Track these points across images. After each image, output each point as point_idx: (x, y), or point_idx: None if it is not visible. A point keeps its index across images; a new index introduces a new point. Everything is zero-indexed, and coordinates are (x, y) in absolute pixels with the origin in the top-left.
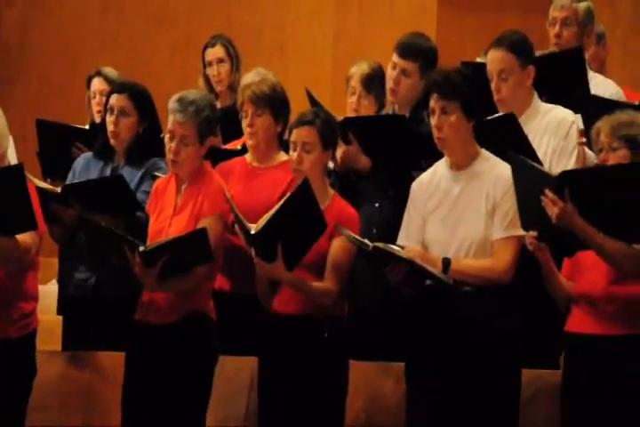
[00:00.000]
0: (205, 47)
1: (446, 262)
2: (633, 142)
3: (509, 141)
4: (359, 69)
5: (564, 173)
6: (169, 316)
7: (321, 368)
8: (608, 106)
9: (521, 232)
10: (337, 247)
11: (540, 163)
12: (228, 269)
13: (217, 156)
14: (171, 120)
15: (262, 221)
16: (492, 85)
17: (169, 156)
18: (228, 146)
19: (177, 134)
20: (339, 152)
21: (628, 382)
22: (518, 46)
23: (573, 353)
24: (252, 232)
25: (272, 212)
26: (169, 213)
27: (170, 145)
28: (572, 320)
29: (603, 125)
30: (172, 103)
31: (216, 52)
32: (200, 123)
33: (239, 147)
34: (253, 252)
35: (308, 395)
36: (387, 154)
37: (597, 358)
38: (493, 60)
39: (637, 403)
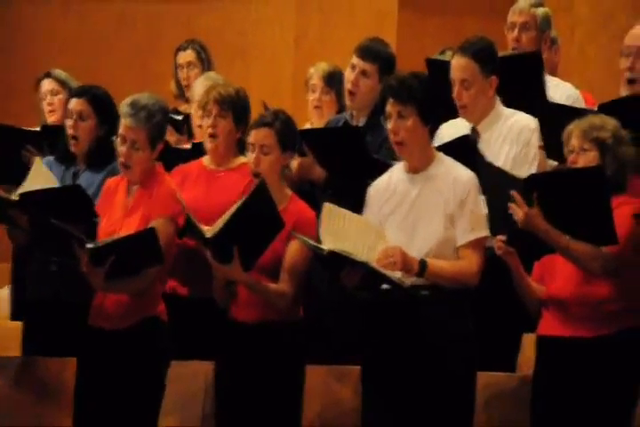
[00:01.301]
0: (178, 50)
1: (423, 265)
2: (603, 145)
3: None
4: (319, 68)
5: (531, 177)
6: (120, 321)
7: (277, 373)
8: (565, 111)
9: (484, 233)
10: (293, 250)
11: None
12: (184, 272)
13: (168, 155)
14: (122, 124)
15: (219, 224)
16: (454, 92)
17: (120, 159)
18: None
19: (128, 139)
20: (294, 163)
21: (598, 384)
22: (483, 55)
23: (545, 356)
24: (209, 235)
25: (229, 213)
26: (119, 214)
27: (121, 149)
28: (543, 323)
29: (574, 128)
30: (124, 107)
31: (187, 55)
32: (151, 128)
33: (188, 146)
34: (209, 254)
35: (265, 399)
36: (341, 165)
37: (568, 361)
38: (457, 67)
39: (607, 404)
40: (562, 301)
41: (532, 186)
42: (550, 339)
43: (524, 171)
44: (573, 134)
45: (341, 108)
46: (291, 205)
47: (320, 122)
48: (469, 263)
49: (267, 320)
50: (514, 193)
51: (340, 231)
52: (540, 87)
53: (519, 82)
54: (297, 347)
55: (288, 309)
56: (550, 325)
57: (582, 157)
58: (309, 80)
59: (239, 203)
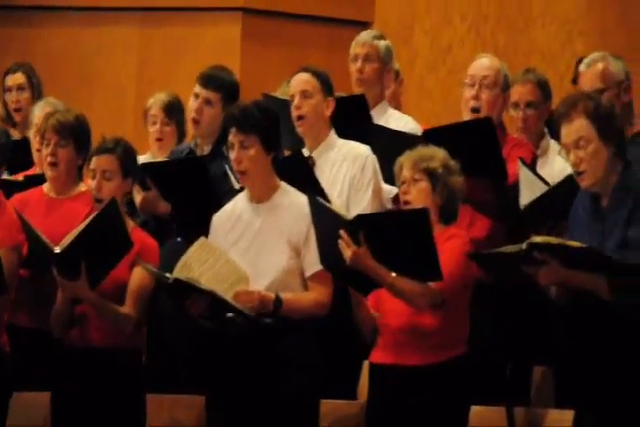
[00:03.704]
0: (6, 73)
1: (278, 303)
2: (433, 175)
3: (302, 182)
4: (158, 98)
5: (358, 217)
6: None
7: (117, 402)
8: (393, 136)
9: None
10: (138, 275)
11: (328, 201)
12: (21, 302)
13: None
14: None
15: (68, 239)
16: (293, 105)
17: None
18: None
19: None
20: (137, 198)
21: (426, 411)
22: (322, 76)
23: (376, 383)
24: (57, 250)
25: (78, 230)
26: None
27: None
28: (375, 351)
29: (405, 160)
30: None
31: (16, 78)
32: None
33: (21, 178)
34: (55, 271)
35: None
36: (186, 198)
37: (398, 388)
38: (297, 81)
39: None
40: (392, 330)
41: (359, 226)
42: (381, 367)
43: (359, 197)
44: (404, 166)
45: (182, 135)
46: (133, 234)
47: (161, 154)
48: (319, 295)
49: (106, 348)
50: (342, 232)
51: (202, 264)
52: (369, 119)
53: (350, 121)
54: (137, 374)
55: (130, 333)
56: (382, 353)
57: (414, 187)
58: (149, 111)
59: (89, 219)
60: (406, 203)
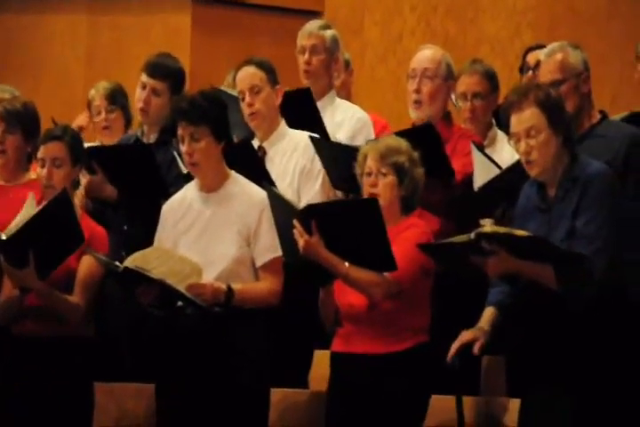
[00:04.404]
0: None
1: (230, 294)
2: (400, 169)
3: (250, 171)
4: (100, 87)
5: (308, 207)
6: None
7: (65, 390)
8: (334, 148)
9: (281, 252)
10: (87, 265)
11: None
12: None
13: None
14: None
15: (14, 227)
16: (245, 102)
17: None
18: None
19: None
20: (83, 181)
21: (389, 399)
22: (267, 65)
23: (338, 372)
24: (3, 237)
25: (26, 217)
26: None
27: None
28: (337, 340)
29: (370, 150)
30: None
31: None
32: None
33: None
34: (2, 257)
35: (52, 418)
36: (132, 183)
37: (361, 376)
38: (244, 76)
39: (398, 418)
40: (353, 319)
41: (310, 215)
42: (343, 355)
43: (310, 186)
44: (369, 157)
45: (128, 121)
46: (82, 222)
47: (111, 141)
48: (270, 284)
49: (55, 337)
50: (295, 221)
51: (155, 259)
52: (318, 120)
53: (299, 115)
54: (85, 363)
55: (79, 323)
56: (343, 341)
57: (381, 181)
58: (92, 102)
59: (39, 208)
60: (372, 195)
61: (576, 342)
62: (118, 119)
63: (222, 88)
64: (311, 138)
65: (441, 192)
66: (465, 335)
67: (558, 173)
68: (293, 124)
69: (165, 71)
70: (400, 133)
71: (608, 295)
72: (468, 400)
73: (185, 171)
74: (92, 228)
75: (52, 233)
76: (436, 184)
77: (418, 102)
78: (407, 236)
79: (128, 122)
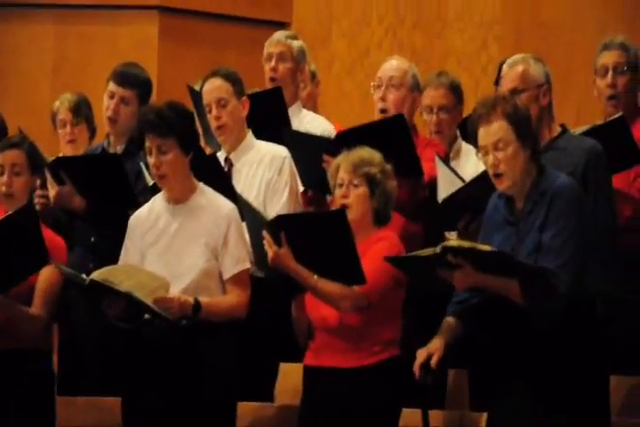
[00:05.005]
0: None
1: (197, 307)
2: (372, 181)
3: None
4: (63, 100)
5: (277, 218)
6: None
7: (25, 404)
8: (306, 140)
9: (248, 265)
10: (46, 276)
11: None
12: None
13: None
14: None
15: None
16: (212, 115)
17: None
18: None
19: None
20: (52, 192)
21: (360, 413)
22: (233, 77)
23: (310, 385)
24: None
25: None
26: None
27: None
28: (309, 354)
29: (343, 162)
30: None
31: None
32: None
33: None
34: None
35: None
36: (101, 193)
37: (332, 390)
38: (211, 89)
39: None
40: (325, 332)
41: (280, 226)
42: (315, 369)
43: (276, 199)
44: (342, 168)
45: (93, 132)
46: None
47: (75, 154)
48: (237, 297)
49: (14, 348)
50: (264, 233)
51: (122, 273)
52: (286, 119)
53: (267, 116)
54: (46, 375)
55: (38, 335)
56: (315, 355)
57: (353, 192)
58: (57, 115)
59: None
60: (344, 206)
61: (543, 354)
62: (83, 132)
63: (196, 88)
64: (284, 130)
65: (408, 191)
66: (421, 355)
67: (526, 186)
68: (260, 125)
69: (134, 80)
70: (370, 125)
71: (575, 308)
72: (434, 414)
73: (150, 182)
74: (50, 238)
75: (14, 248)
76: (403, 182)
77: (384, 111)
78: (377, 248)
79: (92, 134)
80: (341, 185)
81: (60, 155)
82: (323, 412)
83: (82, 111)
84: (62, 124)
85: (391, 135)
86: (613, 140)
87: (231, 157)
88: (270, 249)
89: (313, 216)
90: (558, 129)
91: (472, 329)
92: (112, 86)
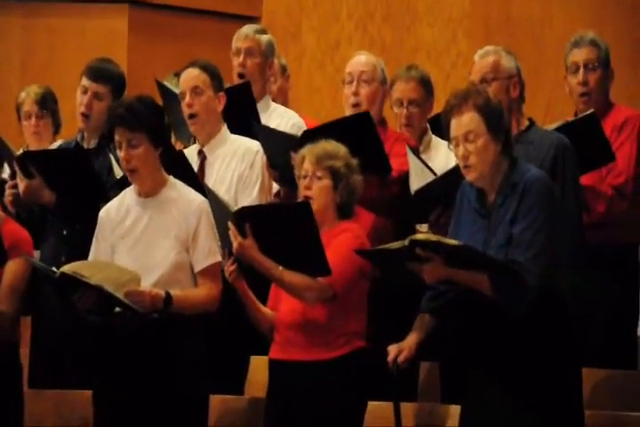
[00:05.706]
0: None
1: (168, 300)
2: (336, 173)
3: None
4: (29, 92)
5: (241, 209)
6: None
7: None
8: (274, 136)
9: (219, 258)
10: (11, 270)
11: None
12: None
13: None
14: None
15: None
16: (185, 102)
17: None
18: None
19: None
20: (21, 186)
21: (324, 406)
22: (211, 70)
23: (275, 379)
24: None
25: None
26: None
27: None
28: (274, 347)
29: (307, 153)
30: None
31: None
32: None
33: None
34: None
35: None
36: (70, 187)
37: (296, 383)
38: (187, 78)
39: (334, 425)
40: (288, 326)
41: (245, 217)
42: (280, 362)
43: (248, 192)
44: (306, 159)
45: (57, 126)
46: (5, 226)
47: (40, 147)
48: (209, 290)
49: None
50: (230, 224)
51: (92, 268)
52: (255, 114)
53: (236, 111)
54: (13, 369)
55: (6, 329)
56: (280, 348)
57: (316, 184)
58: (22, 106)
59: None
60: (307, 198)
61: (514, 347)
62: (47, 125)
63: (165, 83)
64: (254, 125)
65: (377, 188)
66: (392, 351)
67: (497, 178)
68: (230, 120)
69: (108, 75)
70: (336, 122)
71: (546, 301)
72: (405, 406)
73: (119, 176)
74: (15, 231)
75: None
76: (372, 180)
77: (357, 105)
78: (341, 240)
79: (57, 128)
80: (305, 177)
81: (24, 147)
82: (288, 405)
83: (48, 104)
84: (27, 116)
85: (358, 132)
86: (585, 137)
87: (205, 149)
88: (235, 240)
89: (278, 207)
90: (526, 123)
91: (447, 326)
92: (85, 82)
